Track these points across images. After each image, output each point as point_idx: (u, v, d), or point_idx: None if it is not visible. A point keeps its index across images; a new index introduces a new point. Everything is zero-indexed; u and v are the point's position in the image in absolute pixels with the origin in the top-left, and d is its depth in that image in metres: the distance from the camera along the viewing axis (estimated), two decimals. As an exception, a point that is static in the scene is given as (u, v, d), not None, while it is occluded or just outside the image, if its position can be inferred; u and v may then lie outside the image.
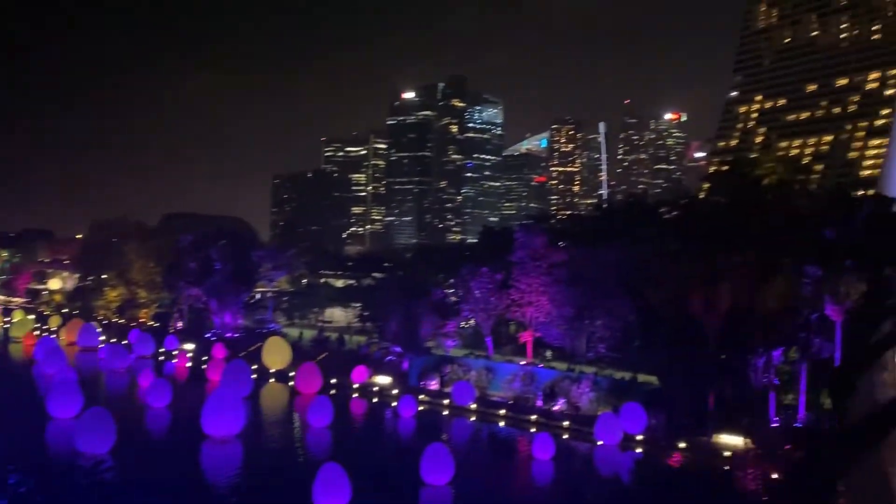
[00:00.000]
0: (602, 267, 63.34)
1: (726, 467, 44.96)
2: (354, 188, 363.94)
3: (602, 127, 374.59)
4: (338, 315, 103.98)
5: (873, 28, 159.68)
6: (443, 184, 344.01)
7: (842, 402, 44.50)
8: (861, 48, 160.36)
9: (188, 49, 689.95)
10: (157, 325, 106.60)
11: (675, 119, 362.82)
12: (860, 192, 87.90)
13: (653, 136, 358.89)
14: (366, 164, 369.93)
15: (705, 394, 49.29)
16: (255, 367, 73.43)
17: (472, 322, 77.26)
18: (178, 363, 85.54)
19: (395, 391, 67.57)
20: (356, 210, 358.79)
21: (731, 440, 47.07)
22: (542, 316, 68.35)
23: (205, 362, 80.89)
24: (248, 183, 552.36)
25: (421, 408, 61.63)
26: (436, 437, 46.89)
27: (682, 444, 48.54)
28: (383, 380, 70.83)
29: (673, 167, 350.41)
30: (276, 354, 78.95)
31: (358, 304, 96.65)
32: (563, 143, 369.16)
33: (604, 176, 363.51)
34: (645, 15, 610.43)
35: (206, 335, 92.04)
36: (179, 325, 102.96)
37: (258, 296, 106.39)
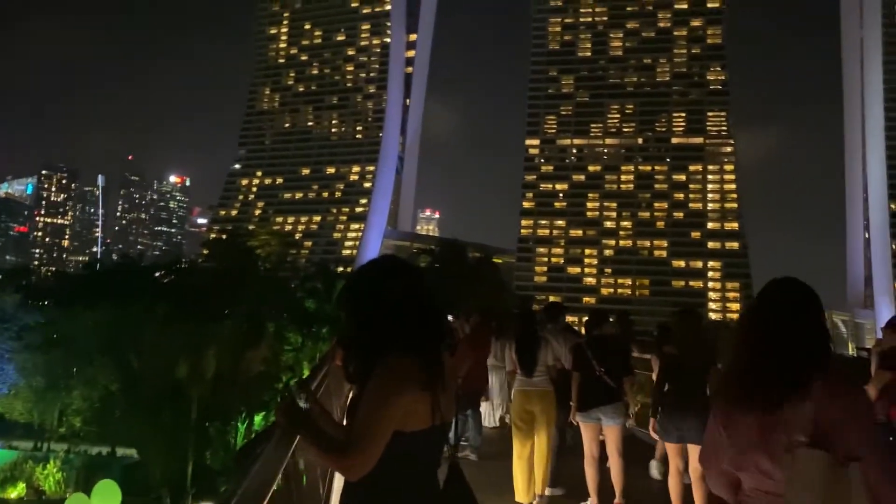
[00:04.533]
0: (87, 330, 57.91)
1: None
2: None
3: (101, 180, 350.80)
4: None
5: (357, 128, 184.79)
6: None
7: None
8: (348, 143, 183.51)
9: None
10: None
11: (179, 182, 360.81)
12: (340, 269, 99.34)
13: (155, 197, 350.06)
14: None
15: (185, 464, 48.25)
16: None
17: None
18: None
19: None
20: None
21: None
22: (4, 388, 58.95)
23: None
24: None
25: None
26: None
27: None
28: None
29: (174, 230, 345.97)
30: None
31: None
32: (53, 192, 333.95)
33: (99, 232, 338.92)
34: (164, 75, 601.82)
35: None
36: None
37: None
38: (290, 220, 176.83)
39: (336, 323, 54.95)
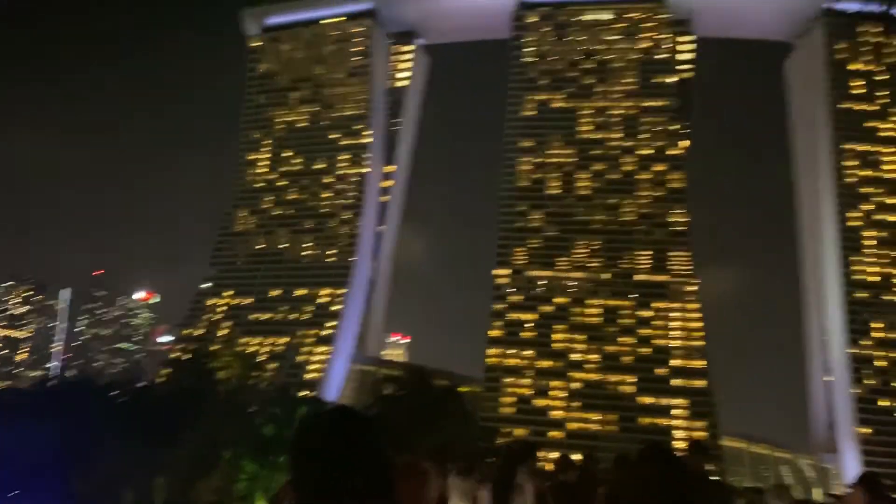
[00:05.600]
0: (34, 449, 55.72)
1: None
2: None
3: (66, 294, 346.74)
4: None
5: (330, 252, 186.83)
6: None
7: None
8: (320, 267, 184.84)
9: None
10: None
11: (146, 299, 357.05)
12: (303, 393, 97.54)
13: (120, 313, 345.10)
14: None
15: None
16: None
17: None
18: None
19: None
20: None
21: None
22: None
23: None
24: None
25: None
26: None
27: None
28: None
29: (137, 347, 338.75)
30: None
31: None
32: (16, 304, 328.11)
33: (60, 347, 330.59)
34: (140, 193, 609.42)
35: None
36: None
37: None
38: (256, 341, 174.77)
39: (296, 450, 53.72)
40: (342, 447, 2.47)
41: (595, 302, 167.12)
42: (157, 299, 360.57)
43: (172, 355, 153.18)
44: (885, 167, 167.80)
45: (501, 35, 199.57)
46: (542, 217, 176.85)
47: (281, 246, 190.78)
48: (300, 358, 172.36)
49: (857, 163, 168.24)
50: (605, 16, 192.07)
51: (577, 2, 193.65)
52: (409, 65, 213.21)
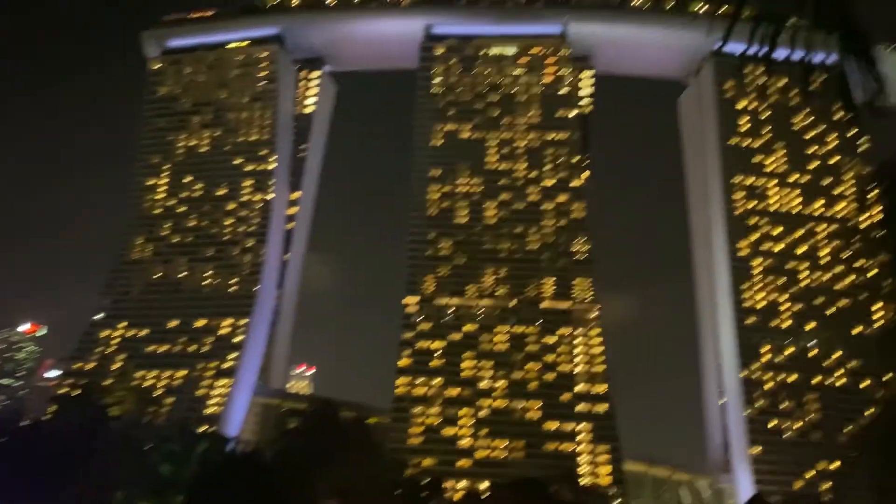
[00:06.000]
0: None
1: None
2: None
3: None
4: None
5: (232, 281, 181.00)
6: None
7: None
8: (221, 296, 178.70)
9: None
10: None
11: (31, 331, 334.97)
12: (202, 428, 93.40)
13: (2, 347, 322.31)
14: None
15: None
16: None
17: None
18: None
19: None
20: None
21: None
22: None
23: None
24: None
25: None
26: None
27: None
28: None
29: (21, 383, 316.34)
30: None
31: None
32: None
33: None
34: (30, 220, 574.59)
35: None
36: None
37: None
38: (152, 374, 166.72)
39: (194, 490, 50.60)
40: (239, 498, 2.52)
41: (502, 329, 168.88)
42: (44, 331, 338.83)
43: (60, 391, 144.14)
44: (770, 200, 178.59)
45: (409, 65, 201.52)
46: (450, 245, 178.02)
47: (180, 275, 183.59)
48: (199, 392, 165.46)
49: (745, 195, 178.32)
50: (510, 50, 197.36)
51: (483, 36, 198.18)
52: (315, 91, 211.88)
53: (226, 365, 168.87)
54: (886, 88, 5.94)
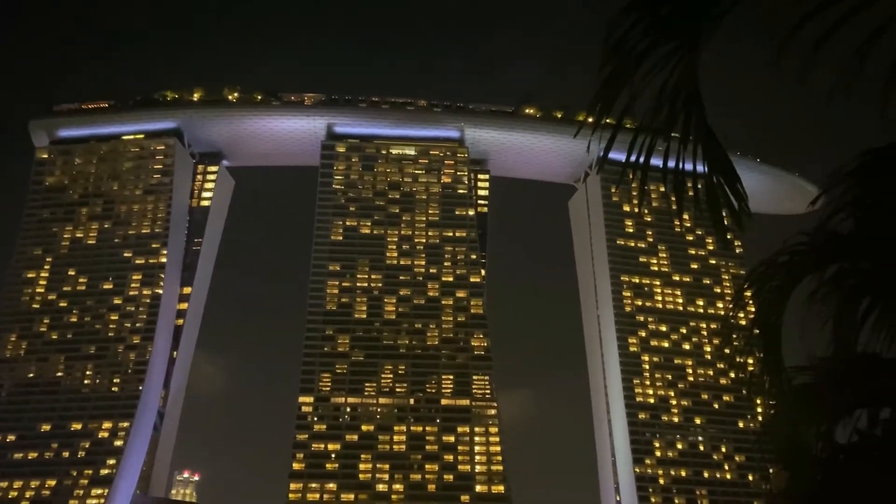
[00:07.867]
0: None
1: None
2: None
3: None
4: None
5: (114, 380, 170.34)
6: None
7: None
8: (101, 397, 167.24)
9: None
10: None
11: None
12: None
13: None
14: None
15: None
16: None
17: None
18: None
19: None
20: None
21: None
22: None
23: None
24: None
25: None
26: None
27: None
28: None
29: None
30: None
31: None
32: None
33: None
34: None
35: None
36: None
37: None
38: (18, 484, 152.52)
39: None
40: None
41: (401, 428, 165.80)
42: None
43: None
44: (656, 298, 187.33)
45: (310, 162, 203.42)
46: (348, 341, 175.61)
47: (57, 374, 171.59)
48: (72, 502, 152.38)
49: (632, 293, 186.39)
50: (410, 151, 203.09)
51: (383, 136, 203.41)
52: (212, 185, 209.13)
53: (103, 471, 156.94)
54: (747, 204, 6.64)
